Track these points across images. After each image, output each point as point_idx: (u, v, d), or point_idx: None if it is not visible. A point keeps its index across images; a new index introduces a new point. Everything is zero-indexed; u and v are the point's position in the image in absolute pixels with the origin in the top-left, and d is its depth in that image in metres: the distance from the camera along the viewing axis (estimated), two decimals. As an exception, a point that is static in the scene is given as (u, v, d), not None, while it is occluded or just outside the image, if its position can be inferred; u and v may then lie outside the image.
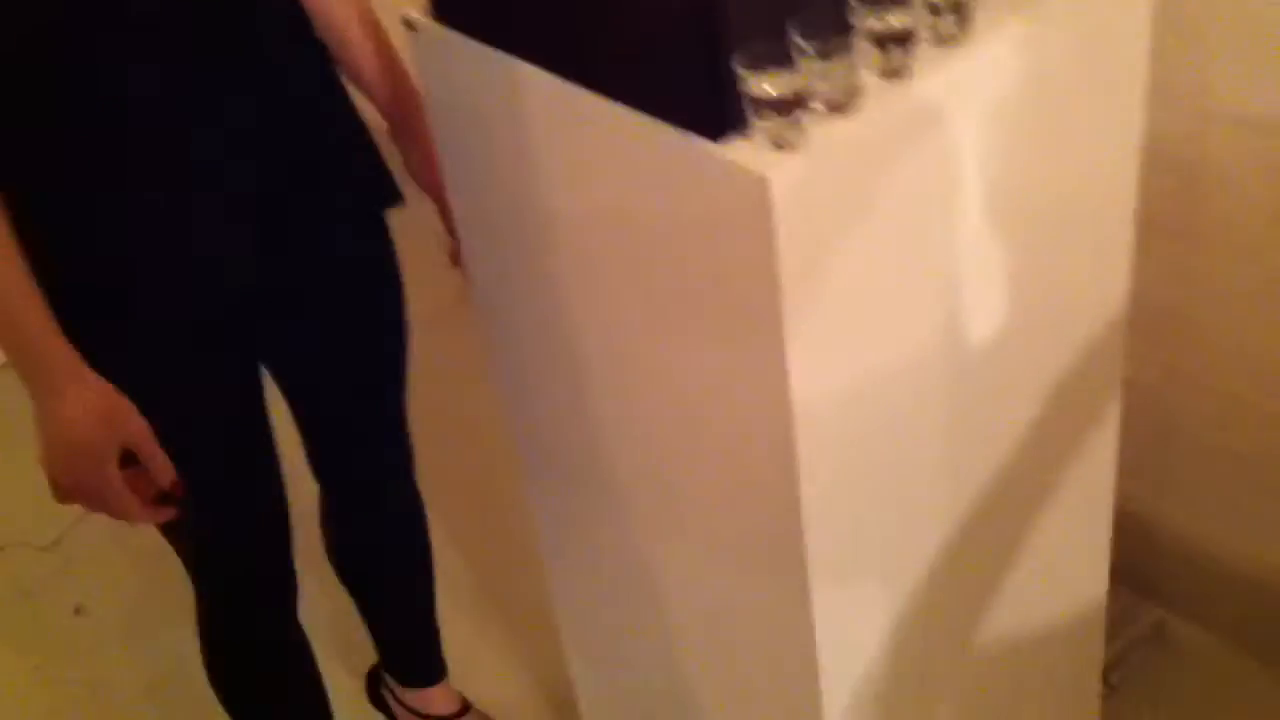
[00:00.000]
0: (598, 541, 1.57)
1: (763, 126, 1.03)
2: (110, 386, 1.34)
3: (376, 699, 2.17)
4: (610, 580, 1.60)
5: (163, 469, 1.39)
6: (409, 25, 1.32)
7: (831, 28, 1.02)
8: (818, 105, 1.05)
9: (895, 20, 1.07)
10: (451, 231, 1.54)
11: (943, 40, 1.12)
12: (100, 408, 1.32)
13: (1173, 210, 1.78)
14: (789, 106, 1.02)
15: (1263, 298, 1.76)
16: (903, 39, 1.08)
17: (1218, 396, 1.89)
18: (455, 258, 1.55)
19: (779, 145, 1.04)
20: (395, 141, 1.61)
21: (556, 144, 1.22)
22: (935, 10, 1.10)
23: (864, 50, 1.07)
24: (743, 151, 1.04)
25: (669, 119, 1.08)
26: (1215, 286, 1.81)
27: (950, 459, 1.33)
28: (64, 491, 1.36)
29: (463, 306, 1.64)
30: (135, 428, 1.35)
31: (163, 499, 1.41)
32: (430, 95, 1.38)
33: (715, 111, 1.04)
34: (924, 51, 1.11)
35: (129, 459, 1.36)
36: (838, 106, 1.06)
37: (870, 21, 1.06)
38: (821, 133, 1.05)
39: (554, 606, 1.79)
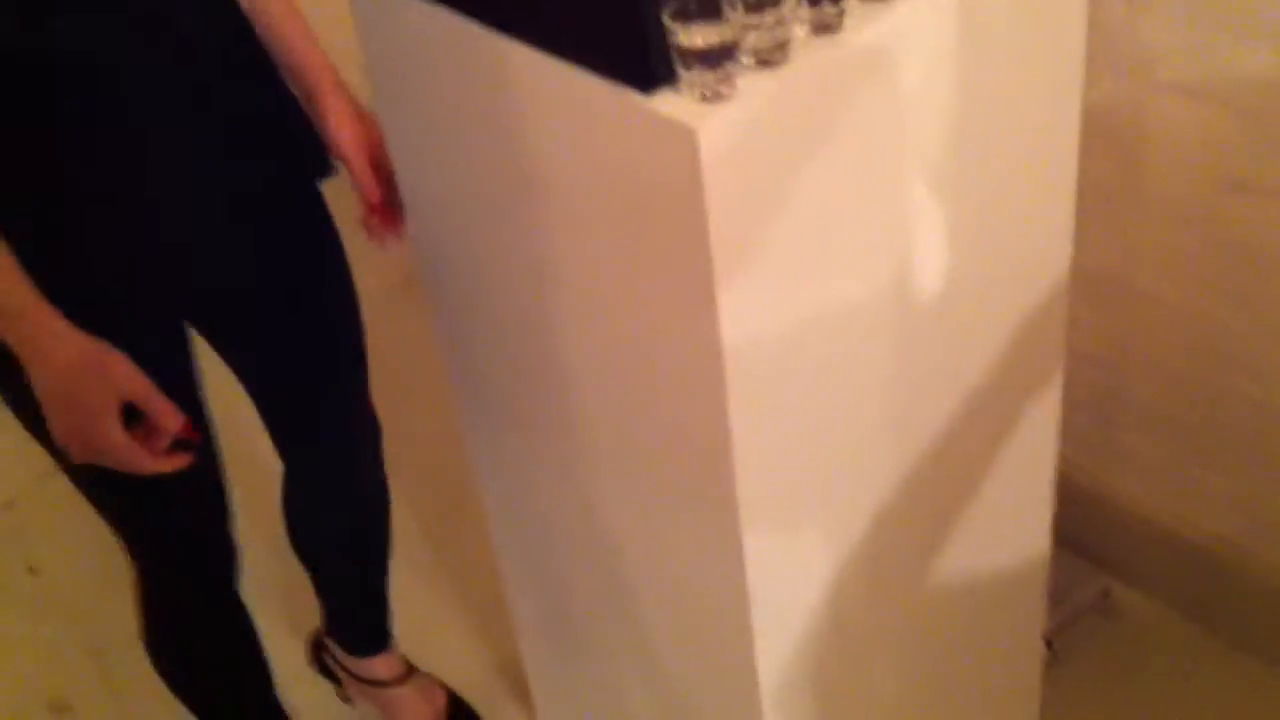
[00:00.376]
0: (538, 488, 1.58)
1: (691, 79, 1.04)
2: (96, 342, 1.33)
3: (320, 664, 2.17)
4: (550, 528, 1.61)
5: (166, 416, 1.37)
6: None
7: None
8: (747, 58, 1.06)
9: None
10: (367, 200, 1.54)
11: (875, -7, 1.12)
12: (85, 362, 1.32)
13: (1115, 177, 1.79)
14: (718, 59, 1.02)
15: (1203, 267, 1.77)
16: (833, -9, 1.08)
17: (1160, 367, 1.91)
18: (371, 229, 1.55)
19: (708, 98, 1.04)
20: (307, 106, 1.59)
21: (492, 97, 1.22)
22: (866, -36, 1.11)
23: (793, 4, 1.07)
24: (672, 104, 1.04)
25: (600, 70, 1.08)
26: (1157, 256, 1.82)
27: (891, 413, 1.34)
28: (73, 450, 1.35)
29: (409, 287, 1.63)
30: (126, 378, 1.34)
31: (178, 445, 1.40)
32: (370, 54, 1.38)
33: (644, 63, 1.04)
34: (854, 7, 1.11)
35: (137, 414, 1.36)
36: (767, 60, 1.06)
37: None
38: (751, 85, 1.05)
39: (498, 560, 1.80)
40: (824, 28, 1.09)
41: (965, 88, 1.22)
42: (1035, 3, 1.27)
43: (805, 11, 1.08)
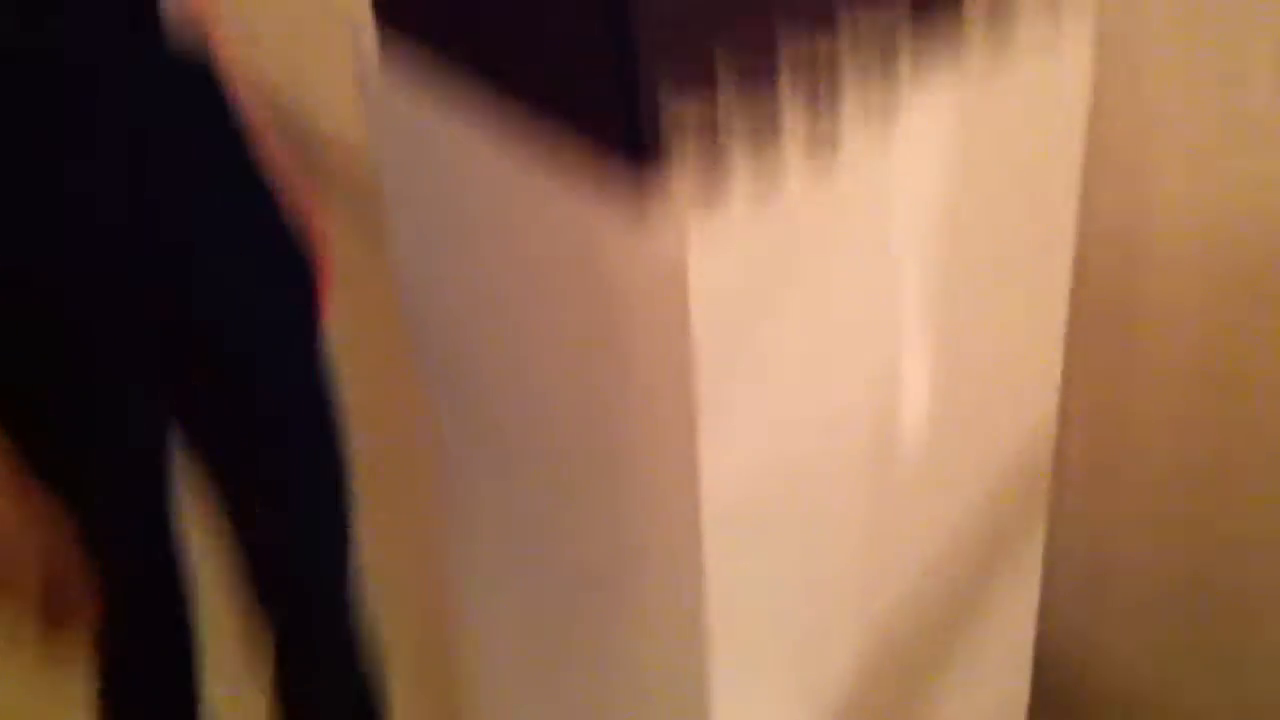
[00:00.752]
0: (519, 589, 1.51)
1: (682, 153, 1.01)
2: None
3: None
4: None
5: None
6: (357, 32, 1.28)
7: (760, 51, 1.00)
8: (740, 137, 1.03)
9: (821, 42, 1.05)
10: None
11: (870, 83, 1.09)
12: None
13: (1109, 293, 1.74)
14: (710, 133, 1.00)
15: (1199, 394, 1.70)
16: (830, 79, 1.06)
17: (1152, 517, 1.82)
18: None
19: (701, 180, 1.01)
20: None
21: (494, 197, 1.19)
22: (861, 53, 1.08)
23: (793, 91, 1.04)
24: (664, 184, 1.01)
25: (590, 138, 1.05)
26: (1151, 378, 1.75)
27: (867, 567, 1.28)
28: None
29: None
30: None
31: None
32: (372, 106, 1.33)
33: (633, 133, 1.01)
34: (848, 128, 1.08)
35: None
36: (761, 139, 1.03)
37: (792, 51, 1.04)
38: (741, 186, 1.02)
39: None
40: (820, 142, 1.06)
41: (958, 215, 1.19)
42: (1038, 112, 1.24)
43: (797, 107, 1.05)
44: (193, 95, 1.33)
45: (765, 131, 1.02)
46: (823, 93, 1.05)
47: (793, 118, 1.04)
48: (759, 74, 1.00)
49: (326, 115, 2.38)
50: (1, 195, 1.21)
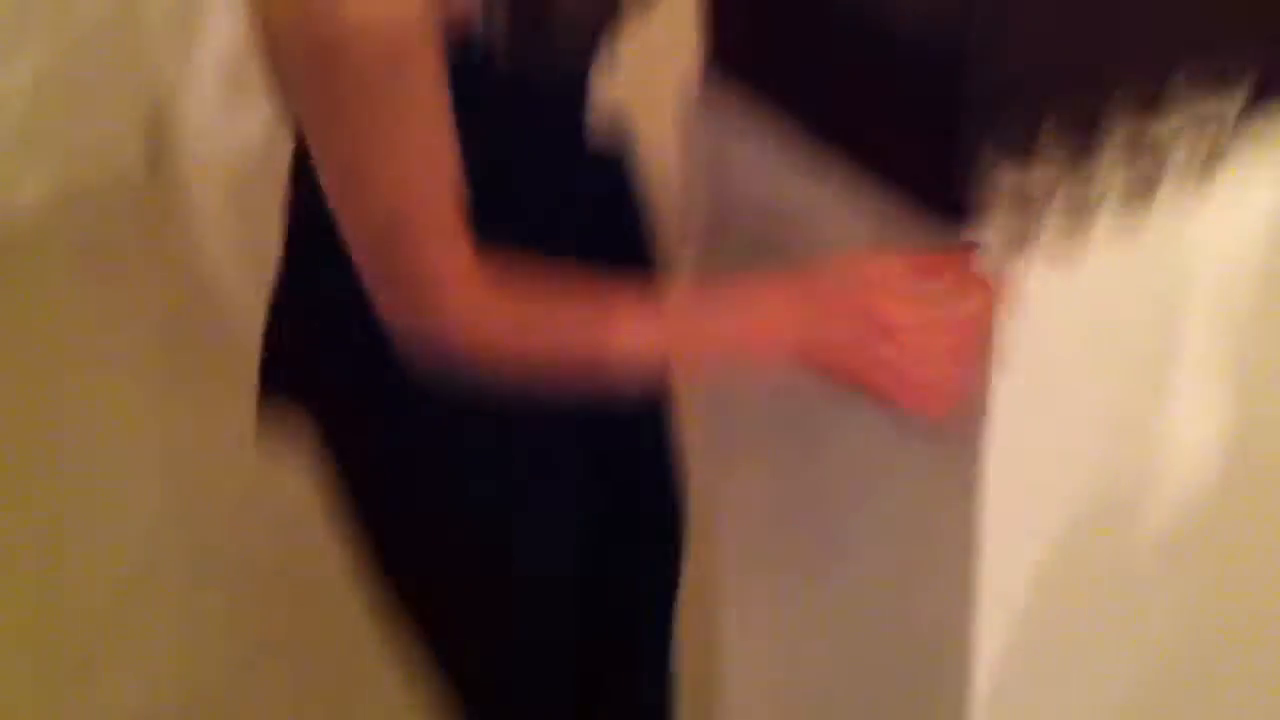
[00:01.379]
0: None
1: (1001, 218, 1.03)
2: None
3: None
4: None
5: None
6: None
7: (1086, 128, 1.01)
8: (1057, 207, 1.04)
9: (1149, 132, 1.05)
10: None
11: (1200, 165, 1.09)
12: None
13: None
14: (1028, 202, 1.01)
15: None
16: (1155, 155, 1.06)
17: None
18: None
19: (1014, 242, 1.03)
20: None
21: (802, 205, 1.22)
22: (1200, 125, 1.08)
23: (1115, 165, 1.05)
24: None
25: (909, 194, 1.07)
26: None
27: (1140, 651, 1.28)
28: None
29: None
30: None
31: None
32: (693, 143, 1.37)
33: (957, 195, 1.04)
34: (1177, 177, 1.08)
35: None
36: (1076, 214, 1.04)
37: (1123, 132, 1.05)
38: (1059, 238, 1.03)
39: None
40: (1138, 195, 1.06)
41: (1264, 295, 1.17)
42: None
43: (1121, 174, 1.06)
44: (615, 190, 1.33)
45: (1080, 204, 1.03)
46: (1144, 171, 1.05)
47: (1110, 191, 1.05)
48: (1082, 150, 1.01)
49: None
50: None
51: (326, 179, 1.03)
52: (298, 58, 0.97)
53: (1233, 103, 1.07)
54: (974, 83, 0.98)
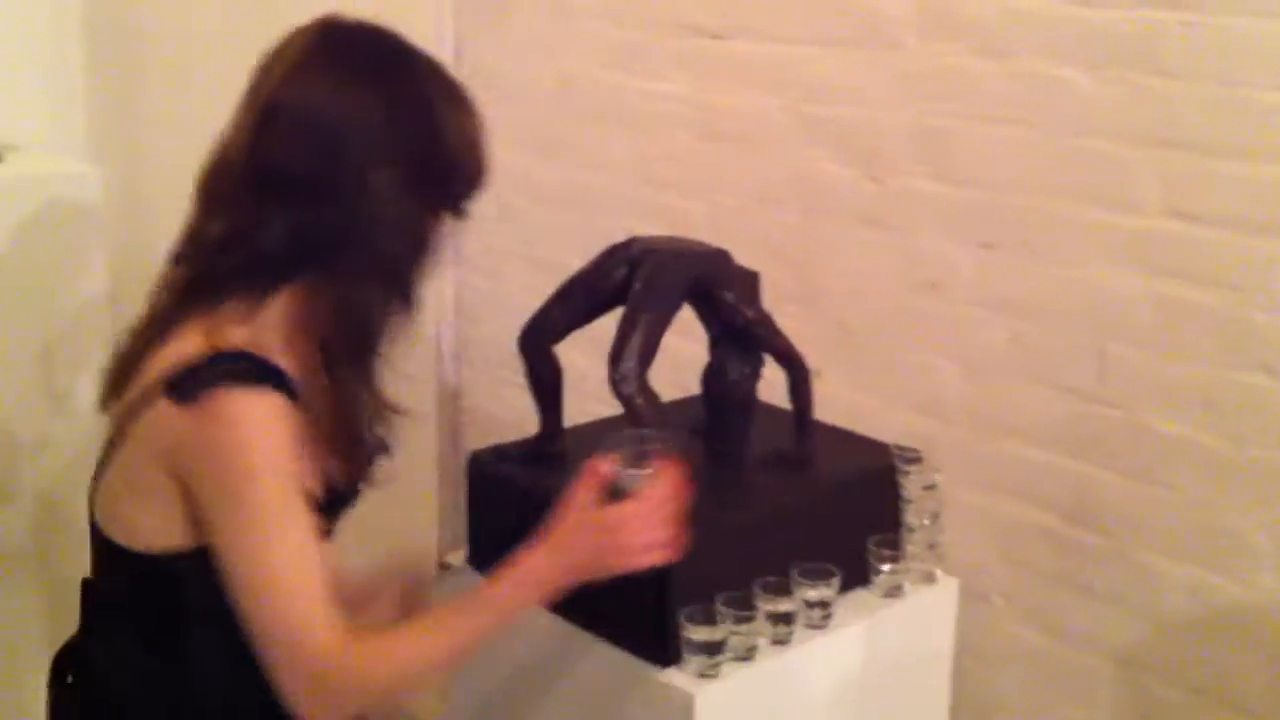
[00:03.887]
0: None
1: (693, 661, 1.60)
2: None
3: None
4: None
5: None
6: (445, 566, 1.88)
7: (743, 605, 1.61)
8: (729, 653, 1.62)
9: (783, 606, 1.67)
10: None
11: (813, 625, 1.71)
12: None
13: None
14: (711, 650, 1.59)
15: None
16: (787, 619, 1.67)
17: None
18: None
19: (702, 676, 1.60)
20: None
21: (543, 659, 1.76)
22: (810, 605, 1.70)
23: (762, 623, 1.65)
24: (678, 678, 1.60)
25: (632, 650, 1.64)
26: None
27: None
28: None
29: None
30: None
31: None
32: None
33: (661, 647, 1.61)
34: (799, 630, 1.70)
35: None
36: (742, 656, 1.63)
37: (768, 605, 1.66)
38: (729, 671, 1.62)
39: None
40: (779, 640, 1.67)
41: (868, 691, 1.79)
42: (915, 649, 1.86)
43: (768, 629, 1.67)
44: None
45: (742, 648, 1.62)
46: (780, 630, 1.66)
47: (761, 640, 1.65)
48: (742, 618, 1.61)
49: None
50: None
51: (234, 575, 1.45)
52: (216, 482, 1.45)
53: (830, 588, 1.70)
54: (675, 583, 1.58)
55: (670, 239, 1.78)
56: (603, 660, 1.67)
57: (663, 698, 1.60)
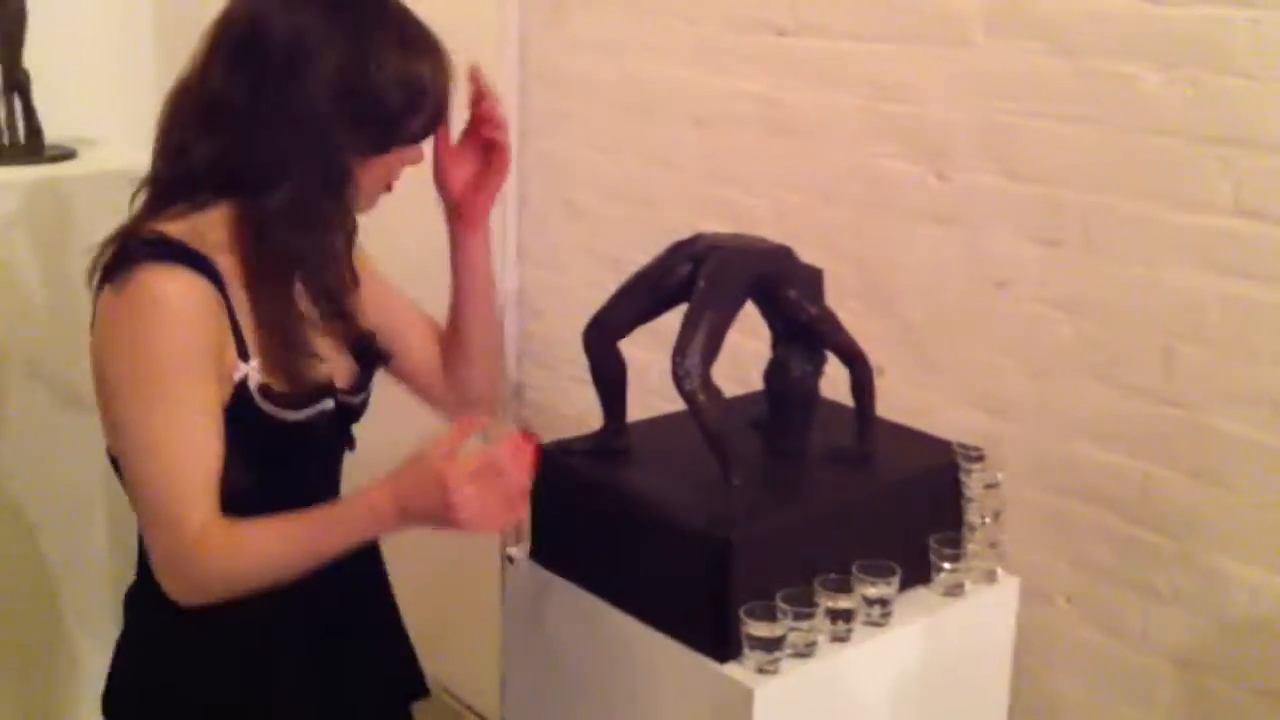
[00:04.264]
0: None
1: (752, 657, 1.61)
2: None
3: None
4: None
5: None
6: (509, 559, 1.90)
7: (803, 601, 1.62)
8: (789, 649, 1.63)
9: (843, 603, 1.67)
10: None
11: (873, 623, 1.72)
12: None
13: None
14: (770, 646, 1.60)
15: None
16: (846, 616, 1.68)
17: None
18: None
19: (761, 671, 1.61)
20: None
21: (602, 651, 1.78)
22: (870, 602, 1.71)
23: (822, 620, 1.66)
24: (737, 672, 1.61)
25: (691, 644, 1.65)
26: None
27: None
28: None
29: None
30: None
31: None
32: (510, 612, 1.95)
33: (721, 642, 1.62)
34: (859, 628, 1.70)
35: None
36: (801, 653, 1.64)
37: (828, 601, 1.66)
38: (789, 667, 1.62)
39: None
40: (839, 638, 1.68)
41: (929, 689, 1.79)
42: (976, 651, 1.86)
43: (827, 626, 1.67)
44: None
45: (802, 646, 1.63)
46: (839, 627, 1.67)
47: (820, 638, 1.65)
48: (801, 614, 1.61)
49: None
50: None
51: (121, 438, 1.59)
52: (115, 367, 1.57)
53: (890, 586, 1.70)
54: (735, 578, 1.59)
55: (734, 236, 1.79)
56: (662, 653, 1.68)
57: (722, 692, 1.61)
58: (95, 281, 1.60)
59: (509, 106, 2.92)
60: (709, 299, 1.65)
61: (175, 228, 1.59)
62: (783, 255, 1.77)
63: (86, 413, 1.68)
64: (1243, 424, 1.97)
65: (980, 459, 1.83)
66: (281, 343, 1.63)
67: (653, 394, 1.93)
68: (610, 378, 1.78)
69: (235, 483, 1.60)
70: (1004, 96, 2.16)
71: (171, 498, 1.55)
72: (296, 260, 1.63)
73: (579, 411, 2.64)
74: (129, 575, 1.78)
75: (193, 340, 1.55)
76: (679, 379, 1.61)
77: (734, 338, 1.68)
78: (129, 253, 1.56)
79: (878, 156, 2.35)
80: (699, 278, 1.68)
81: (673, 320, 1.69)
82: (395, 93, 1.59)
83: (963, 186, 2.24)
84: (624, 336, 1.76)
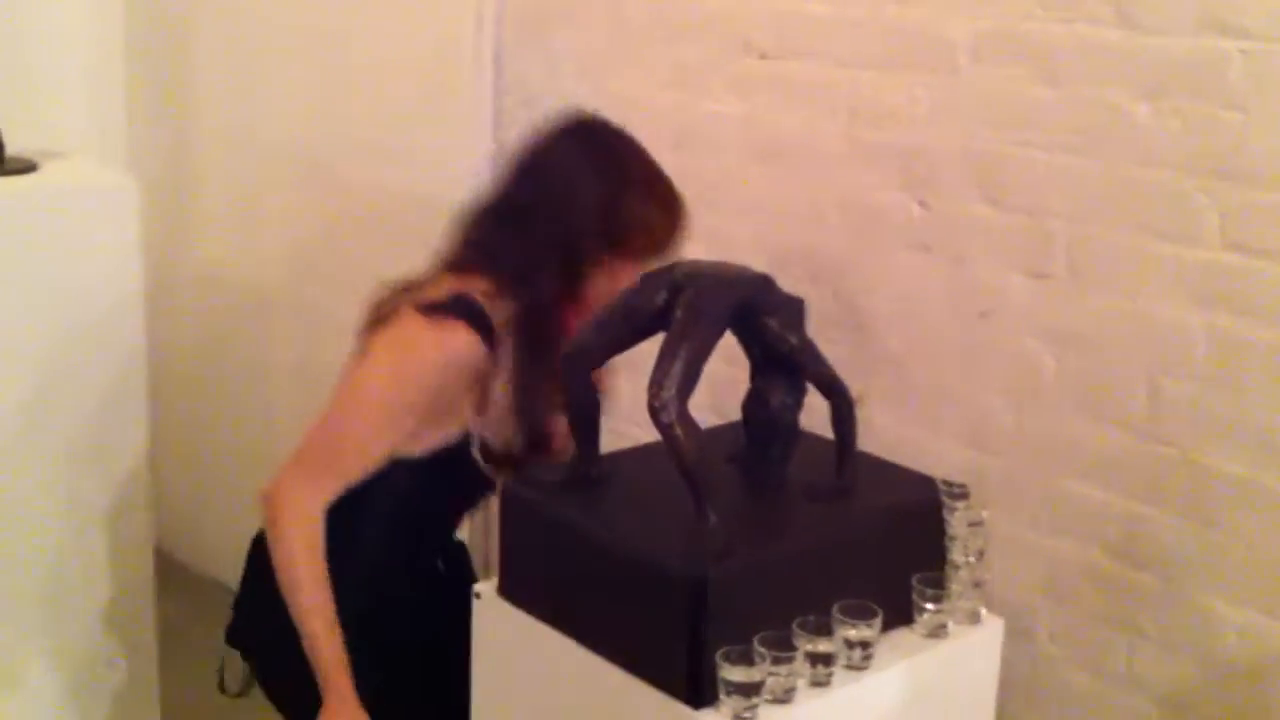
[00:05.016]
0: None
1: (728, 703, 1.55)
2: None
3: None
4: None
5: None
6: (476, 595, 1.84)
7: (781, 645, 1.56)
8: (767, 695, 1.57)
9: (823, 646, 1.62)
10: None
11: (853, 666, 1.66)
12: None
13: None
14: (748, 691, 1.54)
15: None
16: (826, 660, 1.62)
17: None
18: None
19: (738, 718, 1.55)
20: None
21: (572, 694, 1.72)
22: (850, 645, 1.65)
23: (800, 664, 1.60)
24: (712, 719, 1.55)
25: (664, 689, 1.59)
26: None
27: None
28: None
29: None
30: None
31: None
32: (479, 648, 1.87)
33: (695, 688, 1.56)
34: (839, 672, 1.64)
35: None
36: (779, 699, 1.58)
37: (807, 645, 1.60)
38: (766, 715, 1.56)
39: None
40: (818, 683, 1.62)
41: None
42: (959, 695, 1.81)
43: (807, 670, 1.61)
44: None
45: (780, 690, 1.57)
46: (819, 672, 1.61)
47: (799, 682, 1.59)
48: (780, 659, 1.55)
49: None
50: None
51: (339, 402, 1.97)
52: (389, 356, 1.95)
53: (872, 628, 1.64)
54: (710, 621, 1.53)
55: (713, 264, 1.74)
56: (634, 698, 1.62)
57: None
58: (410, 301, 1.94)
59: (483, 125, 2.91)
60: (687, 330, 1.60)
61: (477, 286, 1.95)
62: (762, 284, 1.72)
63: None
64: (1231, 461, 1.93)
65: (964, 496, 1.78)
66: (519, 406, 1.98)
67: (629, 420, 1.87)
68: (583, 409, 1.72)
69: (409, 487, 1.99)
70: (990, 124, 2.12)
71: (332, 458, 1.93)
72: (540, 342, 1.94)
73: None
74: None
75: (446, 385, 1.92)
76: (655, 411, 1.56)
77: (713, 365, 1.63)
78: (449, 302, 1.92)
79: (862, 183, 2.30)
80: (676, 307, 1.62)
81: (648, 348, 1.64)
82: (629, 221, 1.98)
83: (946, 214, 2.19)
84: (599, 366, 1.71)
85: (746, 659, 1.54)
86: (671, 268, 1.69)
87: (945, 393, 2.24)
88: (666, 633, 1.58)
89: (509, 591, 1.78)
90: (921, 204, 2.21)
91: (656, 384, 1.56)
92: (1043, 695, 2.17)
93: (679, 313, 1.61)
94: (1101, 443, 2.06)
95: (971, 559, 1.77)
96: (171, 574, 3.75)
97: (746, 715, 1.55)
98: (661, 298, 1.65)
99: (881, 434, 2.19)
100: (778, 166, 2.43)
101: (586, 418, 1.73)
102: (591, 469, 1.76)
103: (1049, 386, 2.11)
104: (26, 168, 2.81)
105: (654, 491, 1.70)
